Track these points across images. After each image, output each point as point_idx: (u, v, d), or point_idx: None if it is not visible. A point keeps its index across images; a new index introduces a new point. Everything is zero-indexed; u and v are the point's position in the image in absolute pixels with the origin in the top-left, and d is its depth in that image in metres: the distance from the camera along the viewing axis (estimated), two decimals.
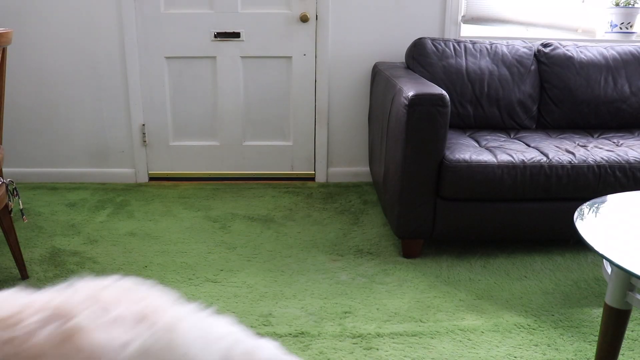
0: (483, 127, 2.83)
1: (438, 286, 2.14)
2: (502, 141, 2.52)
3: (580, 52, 2.91)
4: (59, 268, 2.25)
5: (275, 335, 1.81)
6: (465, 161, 2.21)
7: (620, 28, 3.27)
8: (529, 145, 2.44)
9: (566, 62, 2.86)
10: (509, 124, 2.83)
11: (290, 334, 1.82)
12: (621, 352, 1.68)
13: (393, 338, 1.80)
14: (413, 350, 1.74)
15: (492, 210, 2.18)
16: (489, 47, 2.87)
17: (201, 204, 2.96)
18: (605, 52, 2.92)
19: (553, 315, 1.94)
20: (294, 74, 3.20)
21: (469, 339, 1.80)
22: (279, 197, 3.09)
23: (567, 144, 2.44)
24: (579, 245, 2.44)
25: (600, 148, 2.41)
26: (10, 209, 2.03)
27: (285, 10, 3.10)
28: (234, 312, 1.94)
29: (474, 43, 2.88)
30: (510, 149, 2.34)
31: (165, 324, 0.74)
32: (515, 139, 2.59)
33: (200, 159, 3.34)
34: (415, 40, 2.88)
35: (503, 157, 2.24)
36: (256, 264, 2.31)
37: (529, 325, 1.88)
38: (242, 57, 3.17)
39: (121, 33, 3.10)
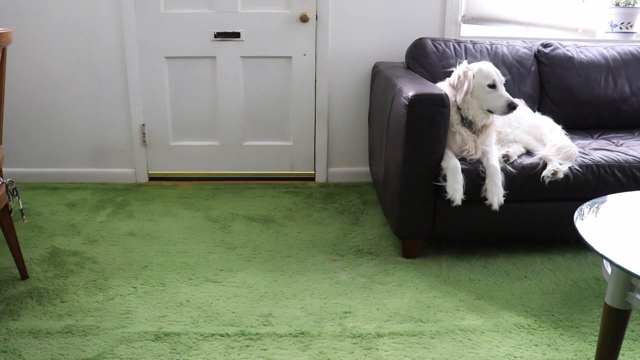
0: None
1: (438, 286, 2.14)
2: None
3: (580, 52, 2.91)
4: (58, 268, 2.25)
5: (275, 335, 1.81)
6: (465, 162, 2.22)
7: (621, 28, 3.27)
8: None
9: (566, 62, 2.86)
10: None
11: (290, 334, 1.82)
12: (621, 352, 1.68)
13: (393, 338, 1.80)
14: (413, 350, 1.74)
15: (492, 210, 2.18)
16: (489, 47, 2.87)
17: (201, 204, 2.96)
18: (605, 52, 2.92)
19: (553, 315, 1.94)
20: (294, 74, 3.20)
21: (469, 339, 1.80)
22: (279, 197, 3.09)
23: None
24: (579, 245, 2.44)
25: (600, 149, 2.41)
26: (10, 209, 2.03)
27: (285, 10, 3.10)
28: (234, 312, 1.94)
29: (474, 43, 2.88)
30: None
31: None
32: None
33: (200, 159, 3.34)
34: (416, 40, 2.88)
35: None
36: (256, 264, 2.31)
37: (529, 325, 1.88)
38: (242, 57, 3.17)
39: (121, 33, 3.10)
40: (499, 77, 2.26)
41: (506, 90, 2.28)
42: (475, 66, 2.30)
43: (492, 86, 2.24)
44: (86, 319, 1.88)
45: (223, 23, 3.11)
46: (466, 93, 2.26)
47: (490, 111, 2.27)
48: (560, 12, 3.38)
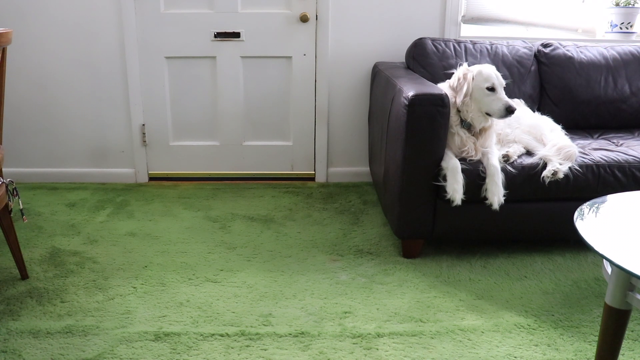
0: None
1: (438, 286, 2.14)
2: None
3: (580, 52, 2.91)
4: (58, 268, 2.25)
5: (275, 335, 1.81)
6: (465, 162, 2.22)
7: (621, 28, 3.27)
8: None
9: (566, 62, 2.86)
10: None
11: (290, 334, 1.82)
12: (621, 352, 1.68)
13: (393, 338, 1.80)
14: (413, 350, 1.74)
15: (492, 210, 2.18)
16: (489, 47, 2.87)
17: (201, 204, 2.96)
18: (605, 52, 2.92)
19: (553, 315, 1.94)
20: (294, 74, 3.20)
21: (469, 339, 1.80)
22: (279, 197, 3.09)
23: None
24: (579, 245, 2.44)
25: (600, 149, 2.42)
26: (10, 209, 2.03)
27: (285, 10, 3.10)
28: (234, 312, 1.94)
29: (474, 43, 2.88)
30: None
31: None
32: None
33: (200, 159, 3.34)
34: (416, 40, 2.88)
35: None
36: (256, 264, 2.31)
37: (529, 325, 1.88)
38: (242, 57, 3.17)
39: (121, 33, 3.10)
40: (498, 81, 2.26)
41: (506, 91, 2.28)
42: (476, 68, 2.30)
43: (491, 89, 2.24)
44: (86, 319, 1.88)
45: (223, 23, 3.11)
46: (465, 95, 2.26)
47: (488, 114, 2.26)
48: (560, 12, 3.38)
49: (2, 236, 2.43)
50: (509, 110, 2.21)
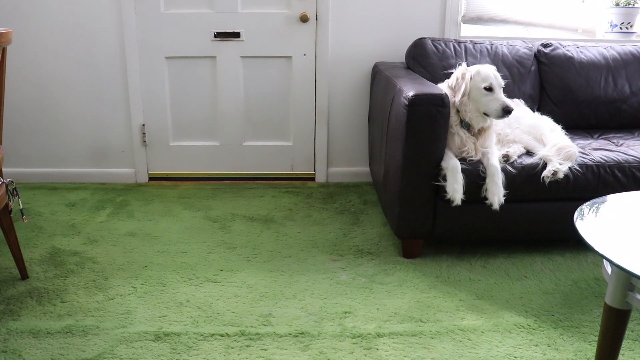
0: None
1: (438, 286, 2.14)
2: None
3: (580, 52, 2.91)
4: (58, 268, 2.25)
5: (275, 335, 1.81)
6: (465, 162, 2.22)
7: (621, 28, 3.27)
8: None
9: (566, 63, 2.86)
10: None
11: (290, 334, 1.82)
12: (621, 352, 1.68)
13: (393, 338, 1.80)
14: (413, 350, 1.74)
15: (492, 210, 2.18)
16: (489, 47, 2.87)
17: (201, 204, 2.96)
18: (605, 52, 2.92)
19: (553, 315, 1.94)
20: (294, 74, 3.20)
21: (469, 339, 1.80)
22: (279, 197, 3.09)
23: None
24: (579, 245, 2.44)
25: (600, 149, 2.42)
26: (10, 209, 2.03)
27: (285, 10, 3.10)
28: (234, 312, 1.94)
29: (474, 43, 2.88)
30: None
31: None
32: None
33: (200, 159, 3.34)
34: (416, 40, 2.88)
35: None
36: (256, 264, 2.31)
37: (529, 325, 1.88)
38: (242, 57, 3.17)
39: (121, 33, 3.10)
40: (497, 81, 2.25)
41: (506, 91, 2.28)
42: (474, 68, 2.30)
43: (489, 89, 2.24)
44: (86, 319, 1.88)
45: (223, 23, 3.11)
46: (463, 95, 2.26)
47: (486, 114, 2.26)
48: (560, 12, 3.38)
49: (2, 236, 2.43)
50: (506, 111, 2.20)
